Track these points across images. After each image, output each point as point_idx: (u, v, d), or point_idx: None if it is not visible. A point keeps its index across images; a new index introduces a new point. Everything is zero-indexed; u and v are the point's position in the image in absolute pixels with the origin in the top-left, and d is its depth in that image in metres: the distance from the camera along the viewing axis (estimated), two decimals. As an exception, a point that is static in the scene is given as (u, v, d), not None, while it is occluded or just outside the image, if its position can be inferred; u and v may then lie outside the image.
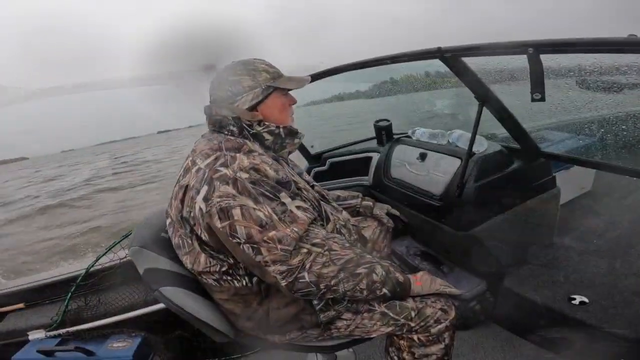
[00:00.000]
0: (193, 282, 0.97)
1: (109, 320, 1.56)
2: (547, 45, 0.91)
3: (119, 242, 1.63)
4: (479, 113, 1.27)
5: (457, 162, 1.36)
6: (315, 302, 0.97)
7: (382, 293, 0.90)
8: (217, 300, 0.98)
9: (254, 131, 0.94)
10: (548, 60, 1.01)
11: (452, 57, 1.13)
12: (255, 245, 0.80)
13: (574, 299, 1.25)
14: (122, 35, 46.37)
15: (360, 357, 1.47)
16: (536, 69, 0.97)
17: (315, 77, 1.60)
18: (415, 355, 0.97)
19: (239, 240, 0.80)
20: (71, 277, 1.65)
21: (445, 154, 1.45)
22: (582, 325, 1.18)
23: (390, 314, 0.96)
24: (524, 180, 1.39)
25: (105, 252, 1.63)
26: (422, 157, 1.54)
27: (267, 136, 0.96)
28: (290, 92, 1.02)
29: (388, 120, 1.90)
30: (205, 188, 0.82)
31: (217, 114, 0.95)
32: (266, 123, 0.95)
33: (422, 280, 0.99)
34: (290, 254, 0.81)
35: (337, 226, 1.04)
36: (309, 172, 1.95)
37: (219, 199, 0.80)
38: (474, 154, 1.32)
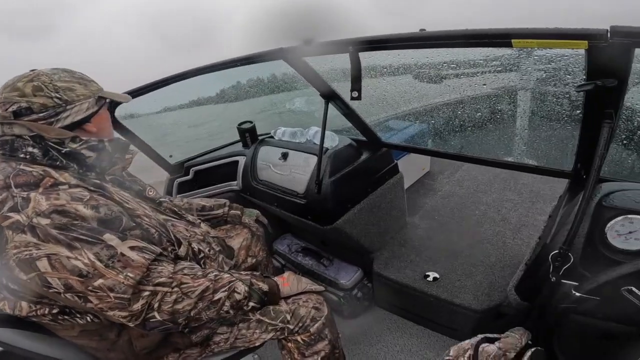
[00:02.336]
0: (21, 320, 0.81)
1: None
2: (365, 43, 0.99)
3: None
4: (326, 110, 1.39)
5: (314, 159, 1.47)
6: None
7: (249, 308, 0.91)
8: (65, 337, 0.86)
9: (67, 150, 0.79)
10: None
11: (293, 57, 1.19)
12: (80, 294, 0.71)
13: (428, 276, 1.46)
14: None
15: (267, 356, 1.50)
16: (356, 66, 1.06)
17: (137, 92, 1.49)
18: (306, 355, 1.00)
19: (57, 290, 0.70)
20: None
21: (304, 151, 1.54)
22: (439, 300, 1.36)
23: (266, 320, 0.98)
24: (372, 170, 1.57)
25: None
26: (284, 156, 1.61)
27: (87, 153, 0.82)
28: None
29: (251, 122, 1.91)
30: None
31: (7, 134, 0.76)
32: (83, 138, 0.81)
33: (290, 281, 1.03)
34: (129, 302, 0.73)
35: (194, 245, 1.00)
36: (170, 184, 1.85)
37: (16, 251, 0.67)
38: (327, 149, 1.46)
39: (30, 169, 0.75)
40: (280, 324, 0.98)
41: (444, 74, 1.58)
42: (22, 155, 0.77)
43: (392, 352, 1.42)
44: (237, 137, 1.95)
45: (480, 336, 0.65)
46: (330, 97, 1.39)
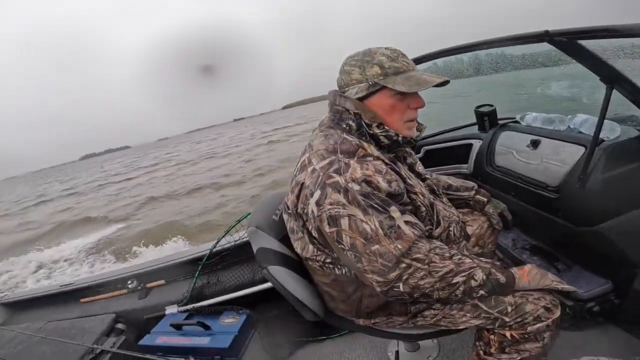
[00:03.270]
0: (296, 264, 1.10)
1: (223, 298, 1.82)
2: None
3: (234, 225, 1.87)
4: (607, 96, 1.16)
5: (580, 151, 1.28)
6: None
7: (479, 295, 0.90)
8: (317, 282, 1.08)
9: (372, 132, 0.93)
10: None
11: (564, 40, 1.07)
12: (357, 255, 0.85)
13: None
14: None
15: (445, 350, 1.48)
16: None
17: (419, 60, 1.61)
18: (505, 351, 0.94)
19: (343, 247, 0.86)
20: (199, 257, 1.93)
21: (565, 141, 1.35)
22: None
23: (483, 306, 0.94)
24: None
25: (224, 235, 1.89)
26: (534, 144, 1.47)
27: (383, 140, 0.94)
28: (417, 94, 0.93)
29: (492, 105, 1.83)
30: (318, 192, 0.86)
31: (340, 105, 0.95)
32: (386, 128, 0.93)
33: (531, 275, 0.94)
34: (389, 269, 0.84)
35: (451, 227, 1.05)
36: None
37: (329, 206, 0.84)
38: (602, 141, 1.24)
39: (350, 139, 0.92)
40: (496, 314, 0.92)
41: None
42: (344, 126, 0.95)
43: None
44: (473, 120, 1.90)
45: None
46: (616, 80, 1.15)
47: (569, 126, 1.43)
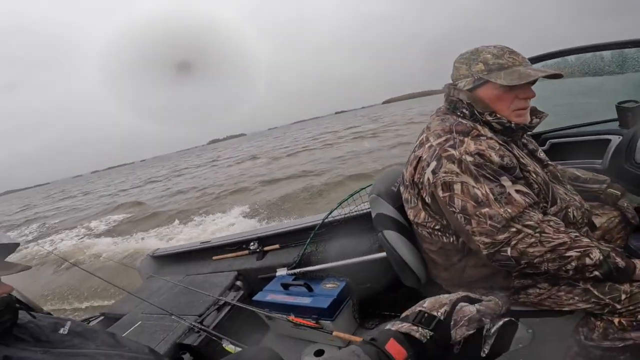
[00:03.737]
0: (408, 232, 1.22)
1: (327, 266, 2.02)
2: None
3: (346, 199, 2.09)
4: None
5: None
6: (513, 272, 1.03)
7: (592, 275, 0.90)
8: (425, 249, 1.19)
9: (485, 119, 1.05)
10: None
11: None
12: (467, 217, 0.95)
13: None
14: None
15: (537, 340, 1.41)
16: None
17: (540, 58, 1.61)
18: (609, 338, 0.92)
19: (454, 210, 0.97)
20: (311, 226, 2.19)
21: None
22: None
23: (595, 291, 0.94)
24: None
25: (337, 207, 2.12)
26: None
27: (496, 126, 1.05)
28: (527, 86, 1.02)
29: (637, 102, 1.67)
30: (434, 163, 1.01)
31: (454, 96, 1.10)
32: (498, 115, 1.03)
33: None
34: (498, 230, 0.91)
35: (570, 210, 1.06)
36: None
37: (444, 174, 0.97)
38: None
39: (465, 122, 1.06)
40: (608, 300, 0.92)
41: None
42: (459, 113, 1.10)
43: None
44: (613, 116, 1.74)
45: (461, 294, 0.55)
46: None
47: None
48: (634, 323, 0.91)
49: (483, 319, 0.53)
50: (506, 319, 0.53)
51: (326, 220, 2.09)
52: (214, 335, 1.75)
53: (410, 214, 1.16)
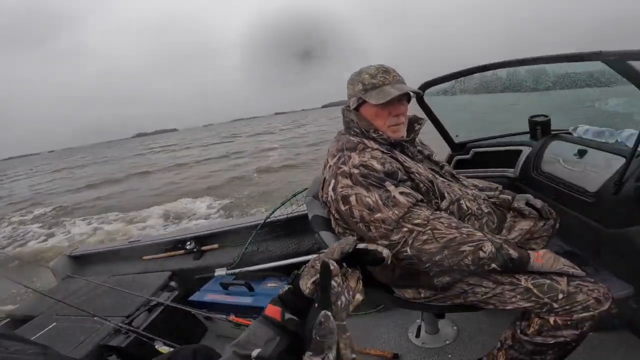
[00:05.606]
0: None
1: (268, 265, 2.11)
2: None
3: (289, 199, 2.18)
4: None
5: (620, 161, 1.40)
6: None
7: (490, 268, 1.04)
8: None
9: (371, 136, 1.22)
10: None
11: (616, 60, 1.20)
12: (366, 224, 1.09)
13: None
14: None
15: (463, 335, 1.65)
16: None
17: (431, 83, 1.77)
18: (542, 334, 1.03)
19: (356, 220, 1.11)
20: (252, 226, 2.26)
21: (608, 151, 1.48)
22: None
23: (535, 291, 1.02)
24: None
25: (278, 207, 2.20)
26: (581, 153, 1.60)
27: (380, 140, 1.22)
28: (397, 103, 1.20)
29: (546, 116, 1.95)
30: (333, 181, 1.17)
31: (347, 117, 1.28)
32: (380, 132, 1.22)
33: (544, 258, 1.04)
34: (391, 232, 1.06)
35: (462, 202, 1.22)
36: (450, 159, 2.18)
37: (341, 189, 1.13)
38: (641, 153, 1.35)
39: (353, 139, 1.23)
40: (546, 299, 1.00)
41: None
42: (352, 132, 1.27)
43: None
44: (526, 129, 2.05)
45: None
46: None
47: (617, 140, 1.56)
48: (569, 322, 0.99)
49: (315, 266, 0.61)
50: (315, 257, 0.62)
51: (267, 220, 2.19)
52: (144, 337, 1.74)
53: (333, 225, 1.30)
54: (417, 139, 1.35)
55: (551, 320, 1.01)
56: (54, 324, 2.06)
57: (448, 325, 1.74)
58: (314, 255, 0.65)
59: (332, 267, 0.59)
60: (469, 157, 2.12)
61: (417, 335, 1.70)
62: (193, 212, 9.12)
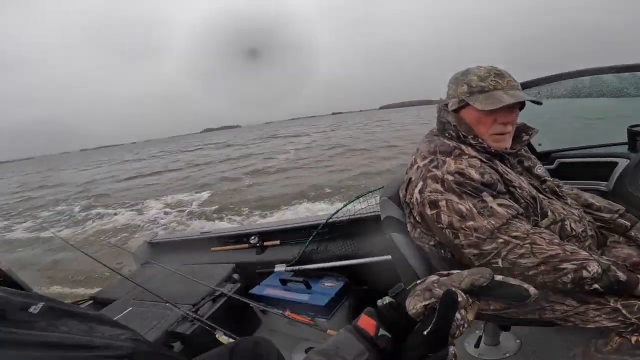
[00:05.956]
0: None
1: (326, 265, 2.12)
2: None
3: (351, 201, 2.19)
4: None
5: None
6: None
7: (591, 288, 0.95)
8: (431, 261, 1.26)
9: (468, 142, 1.15)
10: None
11: None
12: (454, 231, 1.03)
13: None
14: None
15: (525, 350, 1.53)
16: None
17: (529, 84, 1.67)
18: (619, 353, 0.96)
19: (442, 226, 1.06)
20: (313, 225, 2.30)
21: None
22: None
23: (624, 311, 0.96)
24: None
25: (342, 208, 2.22)
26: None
27: (479, 147, 1.14)
28: (506, 110, 1.09)
29: (649, 126, 1.76)
30: (420, 183, 1.11)
31: (443, 118, 1.21)
32: (480, 139, 1.13)
33: None
34: (484, 242, 0.99)
35: (567, 222, 1.11)
36: None
37: (429, 193, 1.07)
38: None
39: (449, 143, 1.16)
40: (634, 320, 0.94)
41: None
42: (446, 134, 1.20)
43: None
44: (622, 139, 1.84)
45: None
46: None
47: None
48: None
49: (433, 289, 0.53)
50: (444, 290, 0.52)
51: (329, 220, 2.20)
52: (207, 326, 1.83)
53: (409, 228, 1.26)
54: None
55: (633, 339, 0.94)
56: (131, 308, 2.25)
57: (511, 337, 1.60)
58: (434, 277, 0.57)
59: (460, 299, 0.52)
60: (554, 167, 1.94)
61: (477, 346, 1.59)
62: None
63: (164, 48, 64.10)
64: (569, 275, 0.95)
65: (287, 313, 1.92)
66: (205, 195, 12.02)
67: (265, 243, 2.52)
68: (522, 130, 1.23)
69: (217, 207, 10.03)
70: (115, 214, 11.09)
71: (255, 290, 2.26)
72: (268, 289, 2.21)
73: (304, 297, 2.02)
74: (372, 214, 2.13)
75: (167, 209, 10.66)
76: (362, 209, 2.17)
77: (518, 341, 1.57)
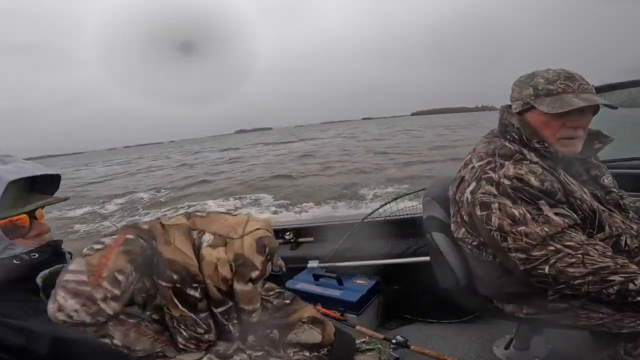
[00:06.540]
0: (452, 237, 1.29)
1: (360, 263, 2.14)
2: None
3: (391, 201, 2.21)
4: None
5: None
6: (549, 292, 1.07)
7: (635, 300, 0.94)
8: (469, 262, 1.27)
9: (533, 146, 1.11)
10: None
11: None
12: (503, 234, 1.02)
13: None
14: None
15: (555, 356, 1.49)
16: None
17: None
18: None
19: (491, 228, 1.05)
20: (347, 224, 2.33)
21: None
22: None
23: None
24: None
25: (379, 208, 2.24)
26: None
27: (544, 153, 1.10)
28: (577, 114, 1.04)
29: None
30: (474, 184, 1.10)
31: (506, 119, 1.18)
32: (545, 143, 1.09)
33: None
34: (534, 247, 0.98)
35: (623, 238, 1.08)
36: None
37: (482, 195, 1.07)
38: None
39: (510, 146, 1.14)
40: None
41: None
42: (508, 136, 1.17)
43: None
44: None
45: None
46: None
47: None
48: None
49: None
50: None
51: (365, 219, 2.23)
52: None
53: (452, 227, 1.26)
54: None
55: None
56: None
57: (541, 341, 1.56)
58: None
59: None
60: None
61: (507, 348, 1.57)
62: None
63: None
64: (615, 287, 0.94)
65: (318, 307, 1.96)
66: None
67: (300, 239, 2.57)
68: (595, 138, 1.19)
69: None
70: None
71: (289, 283, 2.31)
72: (301, 283, 2.26)
73: (335, 293, 2.05)
74: (408, 216, 2.14)
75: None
76: (398, 210, 2.17)
77: (549, 346, 1.52)
